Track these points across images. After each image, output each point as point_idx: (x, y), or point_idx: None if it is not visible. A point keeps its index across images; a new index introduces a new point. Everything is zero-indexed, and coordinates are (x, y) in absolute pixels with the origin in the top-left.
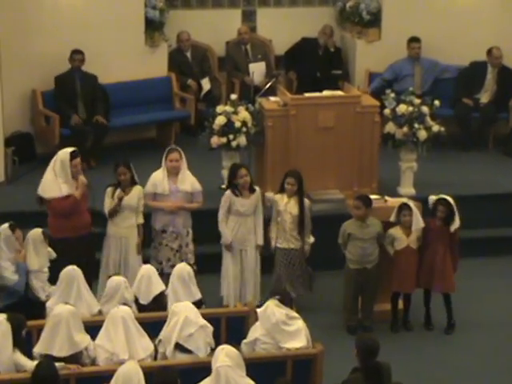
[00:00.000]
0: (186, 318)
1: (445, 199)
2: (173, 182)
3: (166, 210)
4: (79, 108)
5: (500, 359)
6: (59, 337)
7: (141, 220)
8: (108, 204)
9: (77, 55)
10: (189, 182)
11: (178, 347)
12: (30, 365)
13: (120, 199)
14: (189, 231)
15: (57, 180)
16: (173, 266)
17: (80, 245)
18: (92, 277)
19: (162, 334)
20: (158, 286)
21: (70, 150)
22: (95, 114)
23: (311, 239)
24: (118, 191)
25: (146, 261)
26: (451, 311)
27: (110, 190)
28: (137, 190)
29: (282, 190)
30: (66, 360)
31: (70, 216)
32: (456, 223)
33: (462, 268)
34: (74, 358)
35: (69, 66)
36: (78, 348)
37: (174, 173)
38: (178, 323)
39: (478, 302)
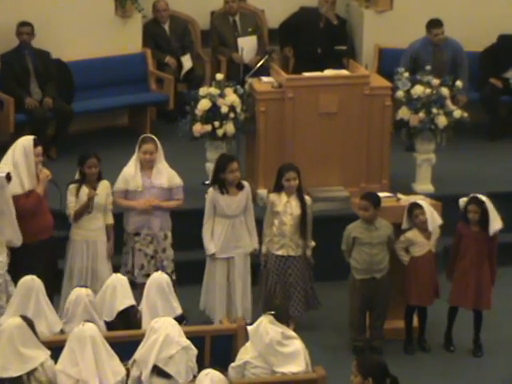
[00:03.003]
0: (166, 337)
1: (475, 197)
2: (147, 176)
3: (138, 210)
4: (33, 91)
5: None
6: (3, 355)
7: (110, 220)
8: (72, 204)
9: (24, 28)
10: (165, 175)
11: (156, 370)
12: None
13: (91, 198)
14: (167, 234)
15: (18, 174)
16: (147, 275)
17: (41, 251)
18: (54, 289)
19: (138, 354)
20: (125, 300)
21: (31, 136)
22: (49, 96)
23: (312, 243)
24: (84, 188)
25: (116, 269)
26: (479, 330)
27: (72, 187)
28: (104, 186)
29: (278, 189)
30: (13, 381)
31: (32, 217)
32: (494, 225)
33: None
34: (19, 382)
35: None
36: (30, 366)
37: (148, 166)
38: (158, 342)
39: (509, 317)
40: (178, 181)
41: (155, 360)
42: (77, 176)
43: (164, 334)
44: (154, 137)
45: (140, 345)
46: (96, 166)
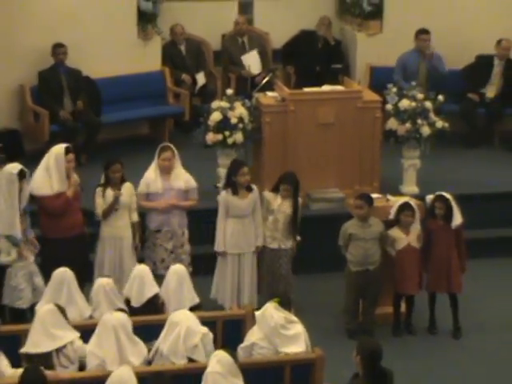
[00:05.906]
0: (188, 329)
1: (441, 195)
2: (166, 180)
3: (159, 210)
4: (66, 104)
5: (510, 366)
6: (35, 334)
7: (135, 218)
8: (100, 204)
9: (60, 49)
10: (182, 179)
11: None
12: (10, 372)
13: (117, 198)
14: (184, 231)
15: (49, 177)
16: (167, 268)
17: (73, 245)
18: (85, 280)
19: (165, 348)
20: (152, 288)
21: (64, 145)
22: (80, 109)
23: (298, 238)
24: (109, 190)
25: (140, 262)
26: (457, 314)
27: (100, 189)
28: (128, 187)
29: (275, 191)
30: (43, 356)
31: (62, 216)
32: (457, 219)
33: (469, 269)
34: (48, 357)
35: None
36: (59, 343)
37: (166, 171)
38: (181, 335)
39: (485, 304)
40: (193, 183)
41: (185, 351)
42: (102, 180)
43: (185, 327)
44: (171, 145)
45: (161, 335)
46: (119, 171)
